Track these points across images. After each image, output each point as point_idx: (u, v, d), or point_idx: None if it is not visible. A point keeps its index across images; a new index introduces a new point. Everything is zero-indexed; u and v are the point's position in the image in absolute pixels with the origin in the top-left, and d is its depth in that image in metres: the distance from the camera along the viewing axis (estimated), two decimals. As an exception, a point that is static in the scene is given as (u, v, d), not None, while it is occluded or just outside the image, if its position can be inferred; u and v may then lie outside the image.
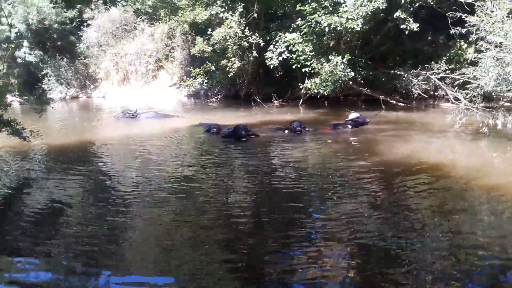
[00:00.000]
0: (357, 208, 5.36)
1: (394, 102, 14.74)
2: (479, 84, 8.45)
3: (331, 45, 14.23)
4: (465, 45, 13.81)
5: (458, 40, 13.64)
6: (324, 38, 14.20)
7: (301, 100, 16.78)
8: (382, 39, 16.00)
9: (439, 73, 13.32)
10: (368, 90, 15.09)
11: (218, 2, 15.58)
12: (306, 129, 10.71)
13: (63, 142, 10.89)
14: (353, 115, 10.91)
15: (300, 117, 14.11)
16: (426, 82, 13.72)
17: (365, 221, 4.95)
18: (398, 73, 14.22)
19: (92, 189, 6.75)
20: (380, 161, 7.60)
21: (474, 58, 8.57)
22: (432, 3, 12.37)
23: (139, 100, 23.20)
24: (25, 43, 22.79)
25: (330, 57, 12.95)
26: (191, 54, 21.33)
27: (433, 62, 13.74)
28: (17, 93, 14.81)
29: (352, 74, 13.09)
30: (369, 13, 12.19)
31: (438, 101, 14.75)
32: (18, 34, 22.29)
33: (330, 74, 12.77)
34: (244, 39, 15.51)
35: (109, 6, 25.48)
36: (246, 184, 6.75)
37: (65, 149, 10.02)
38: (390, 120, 12.21)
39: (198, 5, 16.09)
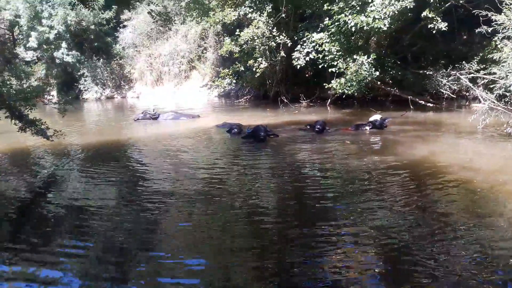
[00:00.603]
0: (378, 212, 5.28)
1: (423, 102, 14.34)
2: (504, 83, 8.13)
3: (359, 45, 14.08)
4: (501, 44, 13.25)
5: (493, 39, 13.14)
6: (352, 38, 14.08)
7: (329, 100, 16.65)
8: (414, 39, 15.67)
9: (471, 73, 12.87)
10: (397, 90, 14.78)
11: (247, 2, 15.72)
12: (328, 128, 10.65)
13: (87, 141, 11.22)
14: (375, 116, 10.74)
15: (325, 117, 14.02)
16: (456, 82, 13.28)
17: (389, 225, 4.84)
18: (428, 73, 13.84)
19: (119, 195, 6.69)
20: (394, 162, 7.44)
21: (500, 57, 8.23)
22: (462, 2, 11.93)
23: (171, 100, 23.89)
24: (63, 44, 23.72)
25: (355, 56, 12.79)
26: (227, 55, 21.77)
27: (464, 62, 13.29)
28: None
29: (377, 73, 12.85)
30: (396, 12, 11.96)
31: (470, 102, 14.25)
32: (57, 35, 23.30)
33: (355, 74, 12.62)
34: (272, 39, 15.60)
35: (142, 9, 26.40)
36: (264, 185, 6.69)
37: (88, 148, 10.28)
38: (416, 121, 11.94)
39: (228, 6, 16.32)
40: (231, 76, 17.95)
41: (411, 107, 14.14)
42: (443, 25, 12.37)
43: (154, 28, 26.34)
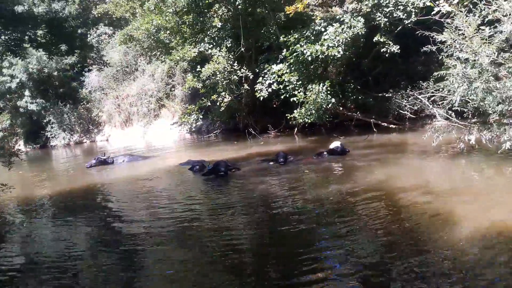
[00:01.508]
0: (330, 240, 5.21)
1: (386, 124, 14.47)
2: (451, 100, 8.24)
3: (318, 73, 14.25)
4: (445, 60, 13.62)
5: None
6: (311, 67, 14.25)
7: (296, 129, 16.68)
8: (375, 62, 15.97)
9: (429, 92, 13.08)
10: (359, 114, 14.92)
11: (206, 39, 15.85)
12: (290, 158, 10.55)
13: (52, 190, 10.74)
14: (335, 143, 10.71)
15: (293, 146, 14.01)
16: (415, 102, 13.50)
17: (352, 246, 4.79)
18: (387, 95, 14.06)
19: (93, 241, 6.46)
20: (351, 189, 7.34)
21: (445, 74, 8.38)
22: (411, 26, 12.23)
23: (142, 140, 23.58)
24: (27, 92, 23.37)
25: (311, 85, 12.90)
26: (190, 91, 21.76)
27: (421, 81, 13.57)
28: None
29: (333, 100, 12.96)
30: (349, 39, 12.18)
31: (432, 120, 14.44)
32: (20, 84, 22.96)
33: (312, 103, 12.69)
34: (233, 73, 15.68)
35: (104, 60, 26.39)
36: (235, 221, 6.50)
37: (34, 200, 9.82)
38: (378, 144, 11.99)
39: (188, 44, 16.41)
40: (197, 112, 17.88)
41: (375, 130, 14.24)
42: (395, 48, 12.65)
43: (120, 69, 26.28)
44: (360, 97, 14.47)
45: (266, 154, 12.14)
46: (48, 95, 25.28)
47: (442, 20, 10.90)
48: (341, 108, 14.71)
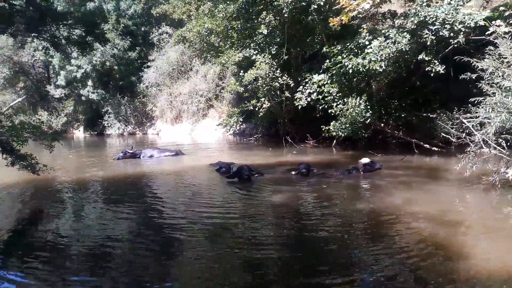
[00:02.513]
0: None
1: (428, 146, 13.75)
2: (487, 129, 7.71)
3: (360, 87, 13.90)
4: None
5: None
6: (354, 80, 13.94)
7: (334, 142, 16.37)
8: (425, 80, 15.26)
9: (477, 117, 12.28)
10: (400, 133, 14.33)
11: (252, 45, 16.07)
12: (314, 171, 10.42)
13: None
14: (363, 160, 10.39)
15: (324, 158, 13.75)
16: (460, 126, 12.69)
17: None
18: (431, 116, 13.37)
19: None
20: (362, 209, 7.11)
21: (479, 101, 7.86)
22: (455, 45, 11.54)
23: (188, 137, 24.36)
24: (89, 82, 25.02)
25: (349, 99, 12.62)
26: (236, 94, 22.17)
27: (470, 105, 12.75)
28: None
29: (368, 115, 12.55)
30: (391, 55, 11.76)
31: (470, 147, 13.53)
32: (84, 74, 24.66)
33: (348, 117, 12.40)
34: (275, 80, 15.74)
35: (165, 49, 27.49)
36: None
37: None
38: (411, 166, 11.43)
39: (235, 48, 16.73)
40: (238, 115, 18.12)
41: (416, 151, 13.61)
42: (440, 68, 12.01)
43: (176, 68, 27.35)
44: (402, 115, 13.86)
45: (294, 164, 12.07)
46: (109, 87, 26.91)
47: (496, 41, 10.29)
48: (382, 125, 14.21)
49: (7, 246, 6.13)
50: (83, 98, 25.80)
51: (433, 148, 13.83)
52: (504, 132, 8.21)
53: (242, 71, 16.28)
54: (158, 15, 24.55)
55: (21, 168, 8.76)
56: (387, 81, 13.76)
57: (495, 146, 8.75)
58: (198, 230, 6.36)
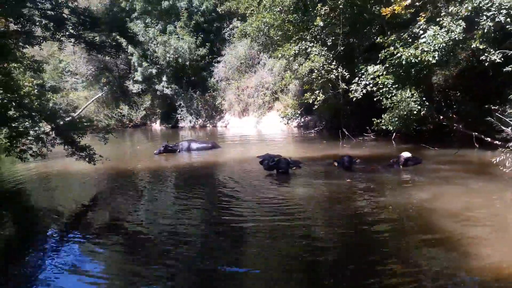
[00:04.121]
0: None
1: (489, 140, 12.74)
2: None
3: (416, 78, 13.27)
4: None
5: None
6: (413, 71, 13.36)
7: (394, 135, 15.83)
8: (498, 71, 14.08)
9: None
10: (460, 126, 13.44)
11: (308, 37, 16.09)
12: (357, 162, 10.36)
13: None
14: (404, 154, 10.07)
15: (377, 152, 13.50)
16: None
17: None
18: (493, 108, 12.35)
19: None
20: (383, 204, 7.04)
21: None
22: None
23: (254, 130, 25.03)
24: (164, 78, 26.76)
25: (400, 91, 12.15)
26: (299, 87, 22.24)
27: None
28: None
29: (417, 108, 11.94)
30: (444, 45, 11.10)
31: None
32: (159, 70, 26.46)
33: (397, 110, 11.98)
34: (330, 72, 15.63)
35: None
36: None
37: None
38: (459, 160, 10.79)
39: (292, 41, 16.87)
40: (295, 107, 18.26)
41: (476, 144, 12.72)
42: (497, 57, 11.05)
43: (244, 62, 28.05)
44: (462, 107, 13.01)
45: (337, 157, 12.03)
46: (181, 82, 28.48)
47: None
48: (441, 117, 13.48)
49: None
50: (158, 92, 27.69)
51: (495, 143, 12.81)
52: None
53: (297, 64, 16.38)
54: (223, 12, 25.38)
55: (79, 158, 9.83)
56: (449, 72, 13.00)
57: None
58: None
